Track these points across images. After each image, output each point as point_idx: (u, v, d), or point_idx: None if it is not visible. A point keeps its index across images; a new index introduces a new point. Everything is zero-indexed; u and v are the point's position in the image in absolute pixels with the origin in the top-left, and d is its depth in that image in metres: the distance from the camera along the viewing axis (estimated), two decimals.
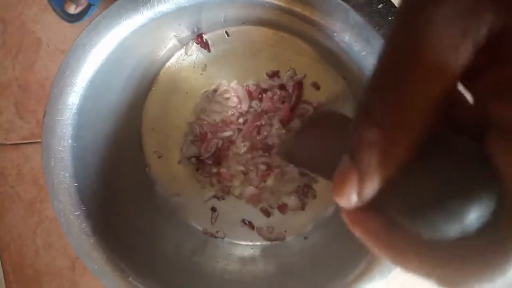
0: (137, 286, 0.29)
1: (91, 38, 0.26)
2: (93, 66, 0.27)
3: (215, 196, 0.41)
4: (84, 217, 0.29)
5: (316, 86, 0.37)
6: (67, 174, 0.28)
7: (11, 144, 0.77)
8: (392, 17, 0.25)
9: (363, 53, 0.24)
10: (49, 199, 0.28)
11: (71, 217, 0.28)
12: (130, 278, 0.29)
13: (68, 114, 0.27)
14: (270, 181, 0.41)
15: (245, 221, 0.41)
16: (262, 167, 0.40)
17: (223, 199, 0.41)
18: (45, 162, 0.28)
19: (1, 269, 0.82)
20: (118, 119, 0.34)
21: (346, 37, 0.24)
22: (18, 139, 0.77)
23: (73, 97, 0.27)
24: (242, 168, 0.40)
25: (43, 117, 0.28)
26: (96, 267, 0.29)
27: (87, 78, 0.27)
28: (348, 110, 0.37)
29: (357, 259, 0.28)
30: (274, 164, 0.40)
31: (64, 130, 0.27)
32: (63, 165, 0.28)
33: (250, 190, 0.41)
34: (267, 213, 0.41)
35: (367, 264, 0.27)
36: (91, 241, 0.29)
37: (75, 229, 0.29)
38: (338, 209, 0.39)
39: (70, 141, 0.28)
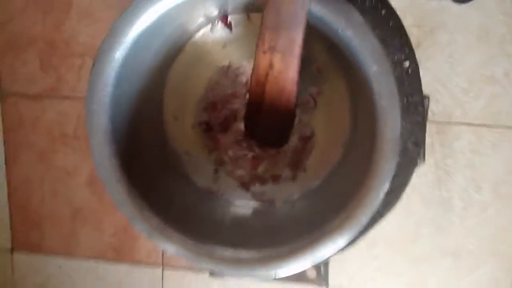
0: (150, 217, 0.36)
1: (139, 8, 0.32)
2: (139, 29, 0.33)
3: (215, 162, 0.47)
4: (114, 154, 0.35)
5: (319, 71, 0.43)
6: (105, 116, 0.34)
7: (31, 95, 0.82)
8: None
9: (359, 48, 0.30)
10: (89, 135, 0.34)
11: (104, 152, 0.34)
12: (144, 210, 0.35)
13: (113, 66, 0.33)
14: (261, 169, 0.46)
15: (243, 184, 0.47)
16: (249, 159, 0.45)
17: (217, 172, 0.47)
18: (89, 104, 0.34)
19: (8, 210, 0.87)
20: (148, 77, 0.40)
21: (349, 32, 0.30)
22: (39, 91, 0.82)
23: (120, 52, 0.33)
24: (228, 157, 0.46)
25: (92, 66, 0.34)
26: (118, 197, 0.35)
27: (132, 38, 0.33)
28: (343, 99, 0.43)
29: (335, 215, 0.34)
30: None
31: (108, 79, 0.33)
32: (103, 108, 0.33)
33: (241, 172, 0.46)
34: (262, 181, 0.47)
35: (344, 218, 0.33)
36: (117, 174, 0.35)
37: (105, 162, 0.34)
38: (322, 183, 0.45)
39: (112, 88, 0.33)
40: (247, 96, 0.42)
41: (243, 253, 0.36)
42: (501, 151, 0.68)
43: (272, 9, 0.34)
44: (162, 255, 0.82)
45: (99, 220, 0.85)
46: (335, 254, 0.41)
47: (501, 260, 0.72)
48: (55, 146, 0.82)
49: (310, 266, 0.35)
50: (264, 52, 0.36)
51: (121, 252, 0.86)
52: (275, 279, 0.33)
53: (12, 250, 0.88)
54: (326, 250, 0.34)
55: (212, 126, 0.47)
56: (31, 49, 0.81)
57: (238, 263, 0.35)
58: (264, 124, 0.42)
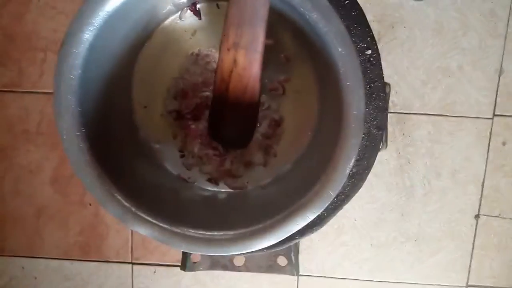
0: (120, 201, 0.35)
1: None
2: (107, 11, 0.33)
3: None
4: (82, 137, 0.34)
5: (287, 58, 0.45)
6: (74, 99, 0.33)
7: None
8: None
9: (325, 29, 0.32)
10: (55, 118, 0.34)
11: (72, 135, 0.34)
12: (115, 194, 0.35)
13: (82, 48, 0.33)
14: (228, 164, 0.47)
15: (211, 179, 0.48)
16: (215, 158, 0.46)
17: (183, 157, 0.47)
18: (56, 85, 0.33)
19: None
20: (117, 64, 0.40)
21: (314, 15, 0.31)
22: None
23: (88, 34, 0.33)
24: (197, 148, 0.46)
25: (60, 47, 0.33)
26: (88, 180, 0.35)
27: (102, 19, 0.33)
28: (311, 85, 0.45)
29: (301, 195, 0.36)
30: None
31: (76, 61, 0.33)
32: (71, 90, 0.33)
33: (208, 168, 0.47)
34: (231, 175, 0.48)
35: (314, 193, 0.34)
36: (87, 158, 0.34)
37: (74, 146, 0.34)
38: (293, 166, 0.47)
39: (80, 71, 0.33)
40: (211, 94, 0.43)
41: (216, 233, 0.37)
42: (458, 139, 0.73)
43: (235, 5, 0.35)
44: (132, 251, 0.80)
45: (64, 218, 0.83)
46: (305, 234, 0.43)
47: (460, 242, 0.77)
48: (17, 143, 0.79)
49: (281, 240, 0.36)
50: (228, 49, 0.37)
51: (88, 251, 0.84)
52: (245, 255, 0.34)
53: None
54: (296, 225, 0.35)
55: (183, 114, 0.47)
56: None
57: (211, 242, 0.36)
58: (228, 122, 0.43)
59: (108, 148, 0.38)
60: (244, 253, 0.39)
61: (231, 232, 0.36)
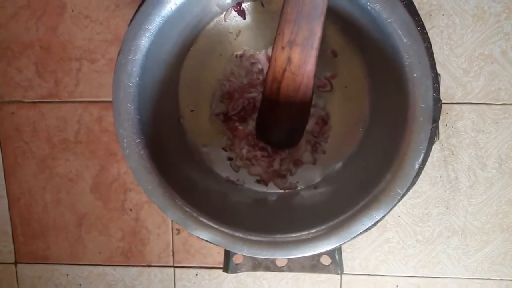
0: (182, 207, 0.35)
1: None
2: (163, 16, 0.32)
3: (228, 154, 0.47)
4: (142, 145, 0.34)
5: (334, 54, 0.44)
6: (133, 107, 0.33)
7: (28, 102, 0.80)
8: None
9: (389, 20, 0.30)
10: (115, 126, 0.34)
11: (133, 143, 0.34)
12: (177, 200, 0.35)
13: (139, 55, 0.33)
14: (276, 164, 0.46)
15: (260, 181, 0.47)
16: (263, 159, 0.45)
17: (231, 159, 0.47)
18: (115, 93, 0.33)
19: (10, 222, 0.85)
20: (166, 68, 0.39)
21: (377, 6, 0.30)
22: (36, 98, 0.80)
23: (145, 40, 0.32)
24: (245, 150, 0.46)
25: (118, 55, 0.33)
26: (150, 187, 0.34)
27: (158, 25, 0.32)
28: (361, 79, 0.44)
29: (366, 193, 0.35)
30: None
31: (134, 68, 0.33)
32: (130, 99, 0.33)
33: (257, 170, 0.46)
34: (280, 176, 0.47)
35: (379, 192, 0.33)
36: (147, 165, 0.34)
37: (134, 154, 0.34)
38: (344, 164, 0.45)
39: (137, 79, 0.33)
40: (261, 95, 0.42)
41: (278, 236, 0.36)
42: (503, 127, 0.70)
43: (292, 1, 0.34)
44: (173, 255, 0.81)
45: (106, 225, 0.83)
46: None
47: (509, 235, 0.74)
48: (56, 153, 0.80)
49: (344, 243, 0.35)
50: (283, 48, 0.36)
51: (130, 256, 0.84)
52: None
53: (16, 262, 0.86)
54: (362, 225, 0.34)
55: (230, 116, 0.46)
56: (26, 55, 0.79)
57: (273, 246, 0.35)
58: (278, 122, 0.41)
59: (163, 155, 0.38)
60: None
61: (293, 235, 0.35)
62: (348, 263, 0.77)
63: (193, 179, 0.43)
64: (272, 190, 0.46)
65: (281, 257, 0.34)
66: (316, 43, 0.34)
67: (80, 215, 0.85)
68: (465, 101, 0.72)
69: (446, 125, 0.73)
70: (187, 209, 0.35)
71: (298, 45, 0.34)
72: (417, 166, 0.32)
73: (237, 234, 0.35)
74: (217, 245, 0.36)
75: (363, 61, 0.42)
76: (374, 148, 0.41)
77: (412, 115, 0.32)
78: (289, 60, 0.36)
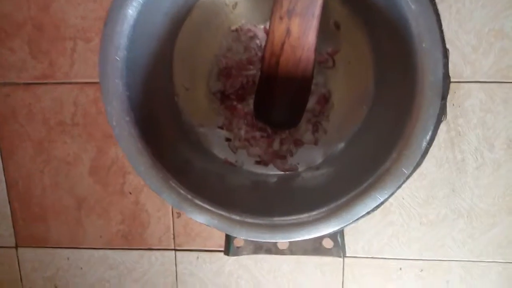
0: (176, 189, 0.33)
1: None
2: None
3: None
4: (133, 123, 0.32)
5: (337, 25, 0.41)
6: (121, 83, 0.31)
7: (23, 84, 0.78)
8: None
9: None
10: (104, 103, 0.32)
11: (122, 121, 0.32)
12: (171, 182, 0.33)
13: (126, 26, 0.30)
14: (276, 146, 0.44)
15: (259, 162, 0.45)
16: (262, 140, 0.43)
17: (229, 140, 0.45)
18: (102, 69, 0.31)
19: (9, 206, 0.84)
20: (157, 43, 0.37)
21: None
22: (30, 79, 0.78)
23: (132, 9, 0.30)
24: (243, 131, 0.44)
25: (104, 26, 0.31)
26: (142, 168, 0.33)
27: None
28: (365, 53, 0.41)
29: (370, 172, 0.33)
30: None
31: (121, 41, 0.30)
32: (118, 74, 0.31)
33: (256, 150, 0.44)
34: (283, 157, 0.45)
35: (383, 172, 0.31)
36: (139, 145, 0.32)
37: (125, 133, 0.32)
38: (347, 145, 0.43)
39: (125, 52, 0.31)
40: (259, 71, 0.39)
41: (277, 219, 0.34)
42: None
43: None
44: (174, 238, 0.80)
45: (105, 208, 0.82)
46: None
47: None
48: (53, 135, 0.78)
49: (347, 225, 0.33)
50: (281, 18, 0.33)
51: (131, 239, 0.83)
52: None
53: (16, 246, 0.85)
54: (366, 207, 0.32)
55: (228, 95, 0.44)
56: (18, 35, 0.77)
57: (273, 228, 0.34)
58: (278, 100, 0.39)
59: (157, 134, 0.36)
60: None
61: (293, 217, 0.34)
62: (350, 246, 0.76)
63: (189, 160, 0.41)
64: (272, 171, 0.45)
65: (280, 240, 0.33)
66: (317, 11, 0.32)
67: (79, 199, 0.84)
68: (474, 80, 0.69)
69: (453, 105, 0.70)
70: (182, 191, 0.33)
71: (298, 14, 0.32)
72: (424, 144, 0.30)
73: (234, 216, 0.34)
74: (216, 229, 0.34)
75: (368, 33, 0.39)
76: (379, 126, 0.38)
77: (420, 90, 0.29)
78: (288, 31, 0.33)
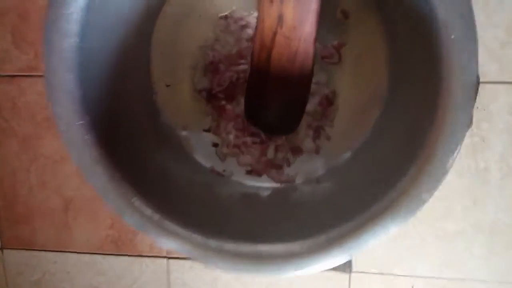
0: (140, 208, 0.28)
1: None
2: None
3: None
4: (88, 127, 0.26)
5: (345, 14, 0.34)
6: (71, 77, 0.25)
7: (6, 76, 0.74)
8: None
9: None
10: (50, 103, 0.26)
11: (73, 126, 0.26)
12: (134, 199, 0.27)
13: (73, 8, 0.24)
14: (270, 154, 0.38)
15: (251, 171, 0.39)
16: (254, 146, 0.38)
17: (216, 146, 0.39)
18: (46, 61, 0.25)
19: None
20: (127, 32, 0.31)
21: None
22: (14, 71, 0.73)
23: None
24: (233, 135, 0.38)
25: (46, 9, 0.25)
26: (98, 183, 0.27)
27: None
28: (378, 45, 0.35)
29: (371, 202, 0.26)
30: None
31: (68, 26, 0.24)
32: (67, 66, 0.25)
33: (247, 159, 0.39)
34: (278, 167, 0.39)
35: (378, 209, 0.25)
36: (94, 154, 0.27)
37: (77, 139, 0.26)
38: (354, 155, 0.37)
39: (76, 39, 0.25)
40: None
41: (263, 248, 0.28)
42: None
43: None
44: None
45: (94, 211, 0.78)
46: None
47: None
48: (39, 131, 0.74)
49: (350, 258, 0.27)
50: (271, 1, 0.27)
51: (120, 245, 0.79)
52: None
53: (1, 248, 0.82)
54: (374, 238, 0.26)
55: (215, 94, 0.38)
56: (1, 24, 0.72)
57: (257, 260, 0.27)
58: (270, 102, 0.33)
59: (122, 139, 0.30)
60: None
61: (283, 246, 0.28)
62: (358, 260, 0.70)
63: (166, 170, 0.35)
64: (265, 183, 0.39)
65: (265, 275, 0.26)
66: None
67: (66, 200, 0.80)
68: (501, 80, 0.63)
69: (477, 108, 0.64)
70: (147, 210, 0.27)
71: None
72: (450, 162, 0.24)
73: (212, 243, 0.28)
74: (188, 257, 0.29)
75: (382, 22, 0.33)
76: (393, 135, 0.32)
77: (447, 92, 0.23)
78: (280, 18, 0.27)
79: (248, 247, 0.28)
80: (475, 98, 0.33)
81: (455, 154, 0.23)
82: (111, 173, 0.27)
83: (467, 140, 0.64)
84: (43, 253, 0.80)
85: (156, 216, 0.27)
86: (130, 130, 0.32)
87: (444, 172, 0.24)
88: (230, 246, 0.28)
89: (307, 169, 0.38)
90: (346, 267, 0.44)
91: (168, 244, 0.28)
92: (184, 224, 0.29)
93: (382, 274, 0.70)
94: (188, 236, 0.28)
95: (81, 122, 0.26)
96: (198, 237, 0.28)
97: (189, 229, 0.28)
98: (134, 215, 0.27)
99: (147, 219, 0.27)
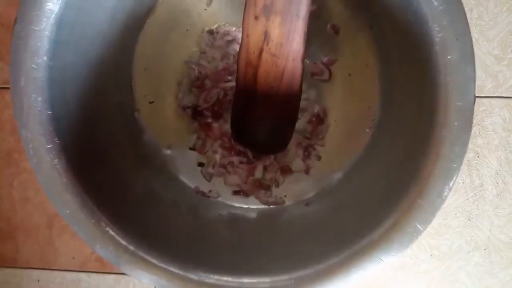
0: (114, 238, 0.25)
1: None
2: None
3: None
4: (57, 151, 0.24)
5: (335, 30, 0.33)
6: (40, 98, 0.23)
7: None
8: None
9: None
10: (17, 125, 0.24)
11: (42, 150, 0.24)
12: (107, 228, 0.25)
13: (44, 24, 0.23)
14: (258, 174, 0.37)
15: (238, 192, 0.37)
16: (242, 166, 0.36)
17: (202, 165, 0.37)
18: (13, 81, 0.23)
19: None
20: (106, 47, 0.29)
21: None
22: None
23: (52, 2, 0.22)
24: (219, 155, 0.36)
25: (14, 24, 0.23)
26: (68, 211, 0.25)
27: None
28: (370, 64, 0.33)
29: (363, 233, 0.25)
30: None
31: (38, 44, 0.23)
32: (35, 87, 0.23)
33: (234, 180, 0.37)
34: (267, 188, 0.37)
35: (369, 242, 0.23)
36: (64, 180, 0.25)
37: (45, 164, 0.24)
38: (345, 176, 0.35)
39: (45, 58, 0.23)
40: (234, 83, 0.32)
41: (246, 281, 0.26)
42: None
43: None
44: None
45: None
46: None
47: None
48: (22, 145, 0.72)
49: None
50: (256, 17, 0.26)
51: (106, 262, 0.76)
52: None
53: None
54: (363, 271, 0.24)
55: (202, 111, 0.37)
56: None
57: None
58: (257, 121, 0.32)
59: (98, 163, 0.28)
60: None
61: (267, 280, 0.26)
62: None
63: (148, 193, 0.33)
64: (253, 205, 0.37)
65: None
66: (303, 9, 0.24)
67: (51, 216, 0.77)
68: (496, 95, 0.62)
69: (472, 123, 0.62)
70: (122, 240, 0.25)
71: (278, 13, 0.24)
72: (446, 193, 0.22)
73: (192, 275, 0.26)
74: None
75: (373, 39, 0.32)
76: (386, 156, 0.30)
77: (443, 118, 0.21)
78: (266, 35, 0.25)
79: (231, 279, 0.26)
80: (472, 122, 0.31)
81: (451, 184, 0.22)
82: (83, 201, 0.25)
83: None
84: (26, 271, 0.77)
85: (131, 246, 0.25)
86: (107, 152, 0.30)
87: (440, 202, 0.22)
88: (211, 278, 0.26)
89: (297, 191, 0.37)
90: None
91: (143, 278, 0.26)
92: (163, 254, 0.27)
93: None
94: (166, 267, 0.26)
95: (50, 146, 0.24)
96: (176, 270, 0.26)
97: (167, 260, 0.26)
98: (108, 246, 0.25)
99: (121, 250, 0.25)
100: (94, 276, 0.75)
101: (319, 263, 0.25)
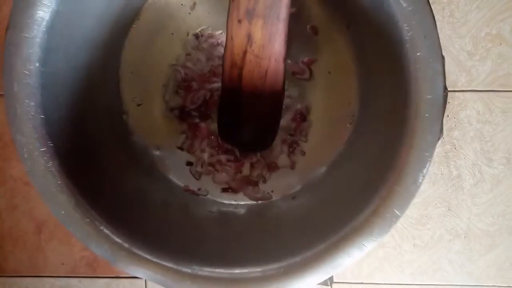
0: (109, 236, 0.26)
1: None
2: None
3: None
4: (51, 154, 0.25)
5: (314, 30, 0.34)
6: (33, 103, 0.24)
7: None
8: None
9: None
10: (10, 131, 0.25)
11: (36, 153, 0.25)
12: (102, 227, 0.26)
13: (36, 31, 0.23)
14: (246, 171, 0.38)
15: (227, 189, 0.39)
16: (229, 164, 0.37)
17: (190, 164, 0.38)
18: (7, 87, 0.24)
19: None
20: (94, 52, 0.30)
21: None
22: None
23: (43, 10, 0.23)
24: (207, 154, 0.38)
25: (6, 30, 0.24)
26: (63, 212, 0.26)
27: None
28: (348, 62, 0.35)
29: (346, 221, 0.26)
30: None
31: (30, 50, 0.23)
32: (28, 92, 0.24)
33: (223, 177, 0.38)
34: (254, 184, 0.39)
35: (352, 229, 0.25)
36: (58, 182, 0.25)
37: (40, 167, 0.25)
38: (329, 170, 0.37)
39: (37, 64, 0.24)
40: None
41: (238, 271, 0.27)
42: None
43: None
44: None
45: (67, 233, 0.75)
46: None
47: None
48: (8, 153, 0.71)
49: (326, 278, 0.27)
50: (240, 21, 0.27)
51: (96, 267, 0.76)
52: None
53: None
54: (349, 257, 0.25)
55: (189, 112, 0.38)
56: None
57: (233, 284, 0.27)
58: (243, 120, 0.33)
59: (90, 164, 0.29)
60: None
61: (258, 269, 0.27)
62: (338, 272, 0.70)
63: (139, 193, 0.34)
64: (242, 201, 0.38)
65: None
66: (283, 13, 0.25)
67: (38, 222, 0.77)
68: (469, 88, 0.64)
69: (448, 116, 0.65)
70: (117, 238, 0.26)
71: (260, 16, 0.25)
72: (421, 179, 0.24)
73: (185, 269, 0.27)
74: (160, 285, 0.27)
75: (350, 39, 0.33)
76: (365, 149, 0.32)
77: (415, 111, 0.23)
78: (249, 37, 0.27)
79: (223, 271, 0.27)
80: (443, 112, 0.33)
81: (425, 171, 0.24)
82: (76, 201, 0.26)
83: (439, 148, 0.66)
84: (15, 279, 0.76)
85: (126, 244, 0.26)
86: (99, 154, 0.31)
87: (415, 188, 0.24)
88: (204, 271, 0.27)
89: (283, 185, 0.38)
90: (327, 280, 0.44)
91: (138, 272, 0.27)
92: (156, 250, 0.28)
93: (362, 283, 0.70)
94: (160, 262, 0.27)
95: (43, 149, 0.25)
96: (169, 264, 0.27)
97: (161, 255, 0.27)
98: (103, 244, 0.26)
99: (117, 247, 0.26)
100: (84, 281, 0.75)
101: (306, 251, 0.27)
